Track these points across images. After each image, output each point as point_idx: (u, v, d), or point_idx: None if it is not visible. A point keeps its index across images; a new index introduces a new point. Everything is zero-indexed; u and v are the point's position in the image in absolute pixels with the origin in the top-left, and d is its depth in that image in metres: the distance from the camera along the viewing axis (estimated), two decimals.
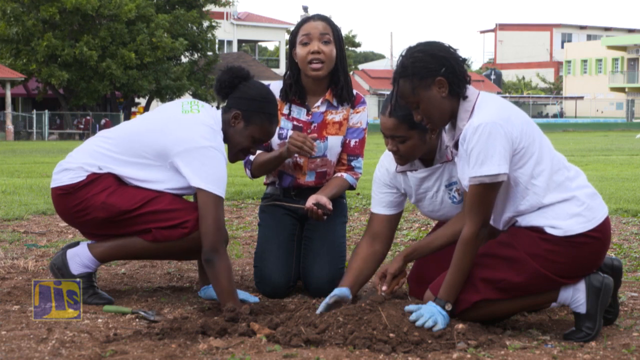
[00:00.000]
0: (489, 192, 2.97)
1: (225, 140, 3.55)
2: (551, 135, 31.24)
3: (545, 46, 75.96)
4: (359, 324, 2.93)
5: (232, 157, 3.64)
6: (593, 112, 63.78)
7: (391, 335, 2.88)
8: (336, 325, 2.95)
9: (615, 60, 65.71)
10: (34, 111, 38.26)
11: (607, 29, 77.38)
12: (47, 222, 6.31)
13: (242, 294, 3.69)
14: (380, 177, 3.58)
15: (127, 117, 38.89)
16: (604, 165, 14.32)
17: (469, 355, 2.77)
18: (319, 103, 3.94)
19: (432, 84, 3.01)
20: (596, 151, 20.43)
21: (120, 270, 4.43)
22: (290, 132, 3.91)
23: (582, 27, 77.66)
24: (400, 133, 3.28)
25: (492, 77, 67.32)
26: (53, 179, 3.56)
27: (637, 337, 3.07)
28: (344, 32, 56.96)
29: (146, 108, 41.34)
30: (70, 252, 3.59)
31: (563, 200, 3.03)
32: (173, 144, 3.41)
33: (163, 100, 39.14)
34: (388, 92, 3.32)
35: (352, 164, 3.99)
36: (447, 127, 3.17)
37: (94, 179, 3.48)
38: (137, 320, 3.34)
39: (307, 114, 3.94)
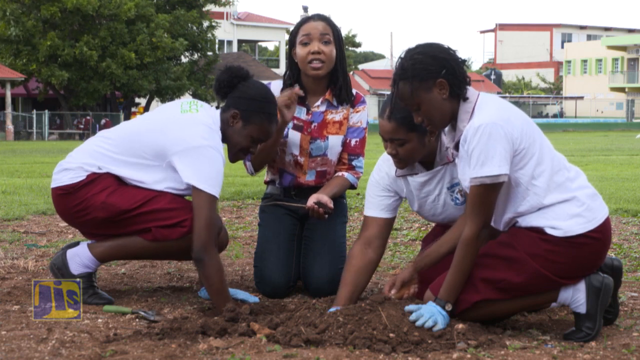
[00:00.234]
0: (490, 192, 2.97)
1: (224, 140, 3.55)
2: (551, 135, 31.23)
3: (545, 46, 75.96)
4: (359, 324, 2.93)
5: (232, 156, 3.64)
6: (593, 112, 63.78)
7: (391, 335, 2.88)
8: (336, 325, 2.95)
9: (615, 60, 65.72)
10: (34, 111, 38.27)
11: (607, 29, 77.38)
12: (47, 222, 6.31)
13: (242, 294, 3.69)
14: (379, 181, 3.54)
15: (127, 117, 38.89)
16: (604, 165, 14.33)
17: (469, 355, 2.77)
18: (319, 102, 3.94)
19: (432, 86, 3.00)
20: (596, 151, 20.43)
21: (120, 270, 4.43)
22: (290, 131, 3.91)
23: (582, 27, 77.67)
24: (399, 136, 3.26)
25: (492, 77, 67.33)
26: (53, 179, 3.56)
27: (637, 337, 3.07)
28: (344, 32, 56.94)
29: (146, 108, 41.35)
30: (70, 252, 3.59)
31: (563, 201, 3.03)
32: (171, 143, 3.41)
33: (163, 100, 39.16)
34: (388, 92, 3.32)
35: (353, 163, 3.99)
36: (447, 128, 3.17)
37: (94, 179, 3.48)
38: (137, 320, 3.34)
39: (307, 113, 3.94)
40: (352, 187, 4.01)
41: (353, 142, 3.99)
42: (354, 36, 73.55)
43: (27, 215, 6.70)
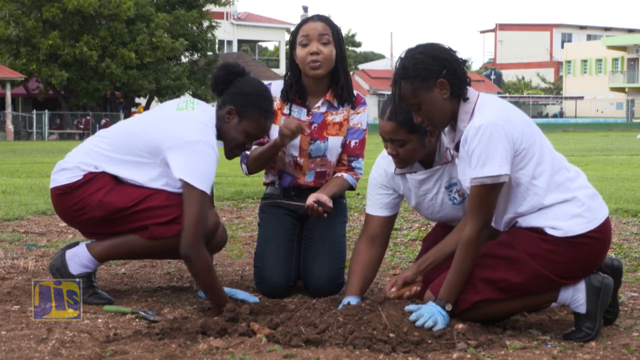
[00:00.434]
0: (491, 193, 2.97)
1: (220, 136, 3.55)
2: (551, 135, 31.25)
3: (545, 46, 75.96)
4: (359, 324, 2.93)
5: (228, 153, 3.64)
6: (593, 112, 63.78)
7: (391, 335, 2.88)
8: (336, 325, 2.95)
9: (615, 60, 65.72)
10: (34, 111, 38.27)
11: (607, 29, 77.39)
12: (47, 222, 6.31)
13: (242, 294, 3.69)
14: (377, 178, 3.57)
15: (127, 117, 38.83)
16: (604, 165, 14.33)
17: (469, 355, 2.77)
18: (319, 103, 3.94)
19: (433, 86, 3.00)
20: (596, 151, 20.43)
21: (120, 270, 4.43)
22: None
23: (582, 27, 77.67)
24: (399, 137, 3.27)
25: (492, 77, 67.33)
26: (51, 179, 3.57)
27: (637, 337, 3.07)
28: (344, 32, 56.89)
29: (146, 108, 41.32)
30: (69, 253, 3.59)
31: (563, 201, 3.03)
32: (164, 139, 3.41)
33: (163, 100, 39.11)
34: (388, 92, 3.32)
35: (353, 164, 4.00)
36: (446, 129, 3.17)
37: (91, 178, 3.49)
38: (137, 320, 3.34)
39: (308, 114, 3.94)
40: (351, 188, 4.02)
41: (353, 144, 3.99)
42: (353, 36, 73.55)
43: (27, 215, 6.70)
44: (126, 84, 37.66)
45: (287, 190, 4.02)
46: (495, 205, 3.03)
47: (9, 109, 36.89)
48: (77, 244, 3.63)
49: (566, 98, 66.95)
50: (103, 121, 38.00)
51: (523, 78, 73.26)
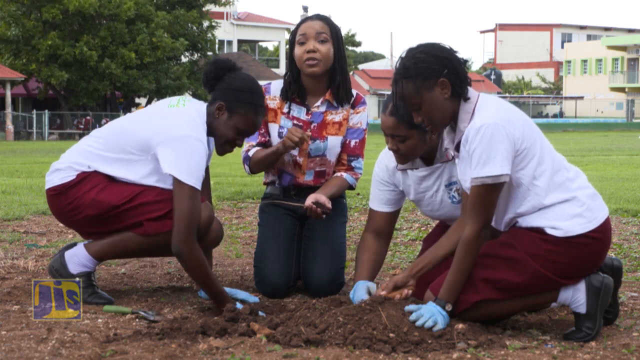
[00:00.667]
0: (491, 193, 2.97)
1: (211, 133, 3.54)
2: (551, 135, 31.25)
3: (545, 46, 75.96)
4: (359, 324, 2.93)
5: (219, 149, 3.63)
6: (593, 112, 63.77)
7: (391, 335, 2.88)
8: (336, 325, 2.95)
9: (615, 60, 65.72)
10: (34, 111, 38.26)
11: (607, 29, 77.38)
12: (47, 222, 6.31)
13: (242, 294, 3.69)
14: (379, 174, 3.60)
15: None
16: (604, 165, 14.33)
17: (469, 355, 2.77)
18: (318, 103, 3.94)
19: (435, 85, 3.00)
20: (596, 151, 20.43)
21: (120, 270, 4.43)
22: None
23: (582, 27, 77.66)
24: (400, 132, 3.29)
25: (492, 77, 67.33)
26: (46, 180, 3.59)
27: (637, 337, 3.07)
28: (344, 32, 56.87)
29: None
30: (67, 254, 3.59)
31: (563, 201, 3.03)
32: (154, 134, 3.41)
33: None
34: (388, 92, 3.34)
35: (352, 164, 3.99)
36: (446, 129, 3.17)
37: (84, 178, 3.49)
38: (137, 320, 3.34)
39: (307, 114, 3.94)
40: (351, 187, 4.02)
41: (352, 143, 3.99)
42: (353, 36, 73.53)
43: (27, 215, 6.70)
44: (126, 84, 37.66)
45: (287, 190, 4.02)
46: (496, 206, 3.03)
47: (9, 109, 36.89)
48: (75, 244, 3.64)
49: (566, 98, 66.95)
50: (103, 121, 37.95)
51: (523, 78, 73.26)
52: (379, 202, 3.62)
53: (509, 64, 76.67)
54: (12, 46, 36.71)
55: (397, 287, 3.24)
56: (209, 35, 41.55)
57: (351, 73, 57.57)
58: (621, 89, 63.78)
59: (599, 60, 67.04)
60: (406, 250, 5.24)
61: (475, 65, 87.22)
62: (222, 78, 3.55)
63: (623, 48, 64.34)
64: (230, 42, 57.82)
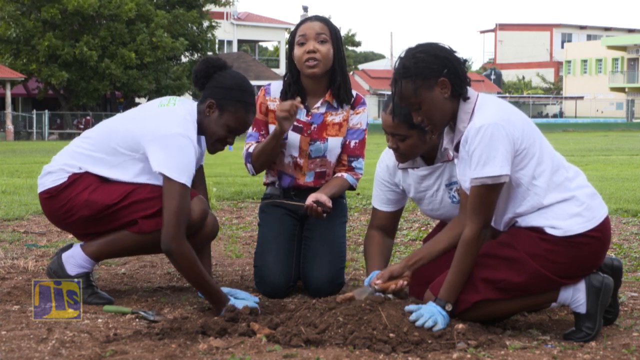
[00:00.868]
0: (491, 193, 2.97)
1: (202, 131, 3.54)
2: (551, 135, 31.25)
3: (545, 46, 75.96)
4: (359, 324, 2.93)
5: (210, 147, 3.62)
6: (593, 112, 63.77)
7: (391, 335, 2.88)
8: (336, 325, 2.95)
9: (615, 60, 65.72)
10: (34, 111, 38.26)
11: (607, 29, 77.38)
12: (47, 222, 6.30)
13: (242, 294, 3.69)
14: (379, 174, 3.62)
15: None
16: (604, 165, 14.33)
17: (469, 355, 2.77)
18: (318, 104, 3.94)
19: (434, 85, 3.00)
20: (596, 151, 20.43)
21: (120, 270, 4.44)
22: (289, 133, 3.91)
23: (582, 27, 77.66)
24: (400, 131, 3.29)
25: (492, 77, 67.33)
26: (38, 183, 3.58)
27: (637, 337, 3.07)
28: (343, 32, 56.67)
29: None
30: (65, 255, 3.59)
31: (563, 201, 3.03)
32: (144, 134, 3.41)
33: None
34: (388, 92, 3.34)
35: (353, 164, 4.00)
36: (446, 129, 3.16)
37: (76, 179, 3.49)
38: (137, 320, 3.34)
39: (307, 115, 3.94)
40: (351, 188, 4.02)
41: (352, 144, 3.99)
42: (353, 36, 73.52)
43: (27, 215, 6.70)
44: (126, 84, 37.65)
45: (287, 191, 4.02)
46: (495, 205, 3.03)
47: (9, 109, 36.89)
48: (71, 245, 3.64)
49: (566, 98, 66.94)
50: None
51: (523, 78, 73.26)
52: (380, 201, 3.64)
53: (509, 64, 76.68)
54: (12, 46, 36.71)
55: (393, 277, 3.22)
56: (209, 35, 41.55)
57: (351, 73, 57.59)
58: (621, 89, 63.78)
59: (599, 60, 67.04)
60: (406, 250, 5.24)
61: (475, 65, 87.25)
62: (212, 76, 3.55)
63: (623, 48, 64.34)
64: (230, 42, 57.81)
